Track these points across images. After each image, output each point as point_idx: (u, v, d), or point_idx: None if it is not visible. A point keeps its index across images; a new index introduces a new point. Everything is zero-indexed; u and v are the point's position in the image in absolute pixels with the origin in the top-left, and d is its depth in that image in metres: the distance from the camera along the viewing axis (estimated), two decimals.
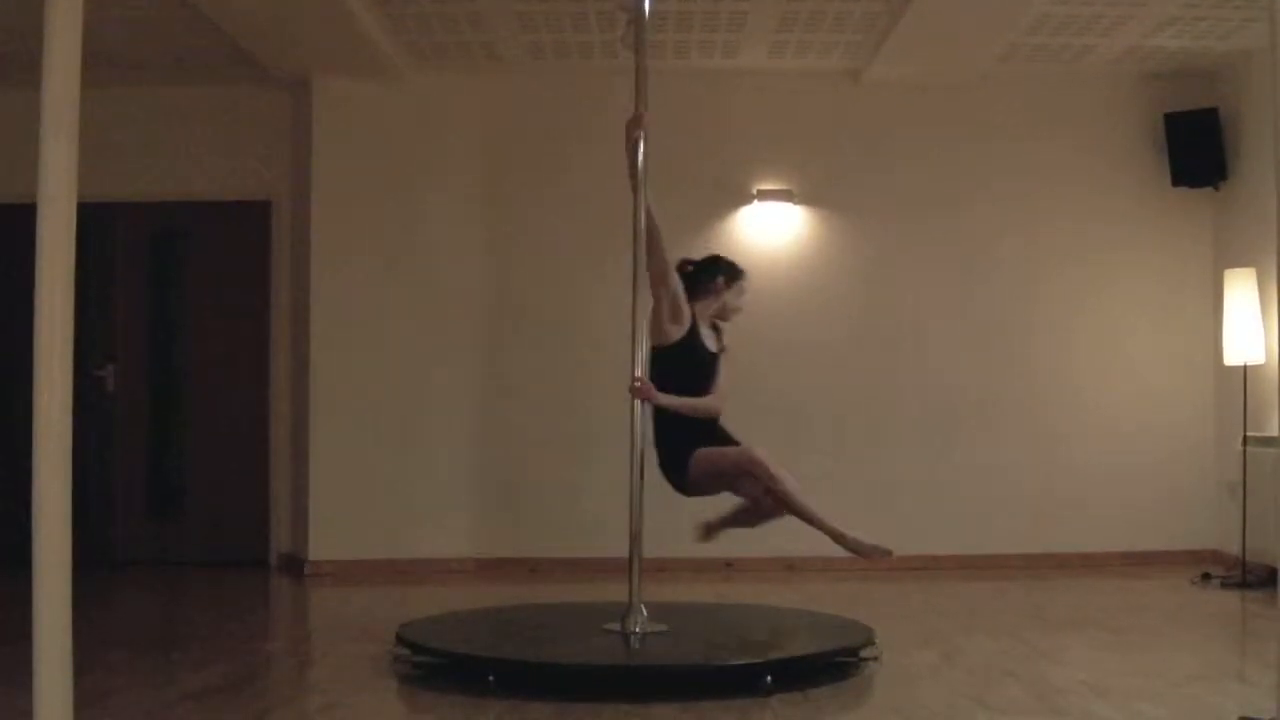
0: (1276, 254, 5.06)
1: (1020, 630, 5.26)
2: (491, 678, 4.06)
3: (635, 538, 4.67)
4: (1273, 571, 6.09)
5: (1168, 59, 7.23)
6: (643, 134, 4.71)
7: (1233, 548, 6.80)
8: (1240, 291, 6.81)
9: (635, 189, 4.71)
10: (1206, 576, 6.68)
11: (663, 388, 4.71)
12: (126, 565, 7.49)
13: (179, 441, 7.80)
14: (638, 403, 4.66)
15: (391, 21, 6.60)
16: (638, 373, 4.68)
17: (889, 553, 4.64)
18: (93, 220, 6.83)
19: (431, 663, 4.40)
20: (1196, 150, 7.26)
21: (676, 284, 4.72)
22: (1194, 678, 4.31)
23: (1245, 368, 6.74)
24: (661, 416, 4.75)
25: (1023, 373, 7.50)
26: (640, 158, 4.70)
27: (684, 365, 4.77)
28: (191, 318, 7.82)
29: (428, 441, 7.39)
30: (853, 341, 7.48)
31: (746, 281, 4.98)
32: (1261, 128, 6.76)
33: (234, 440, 7.69)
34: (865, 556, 4.65)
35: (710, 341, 4.87)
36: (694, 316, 4.80)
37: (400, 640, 4.53)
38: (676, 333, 4.74)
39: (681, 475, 4.72)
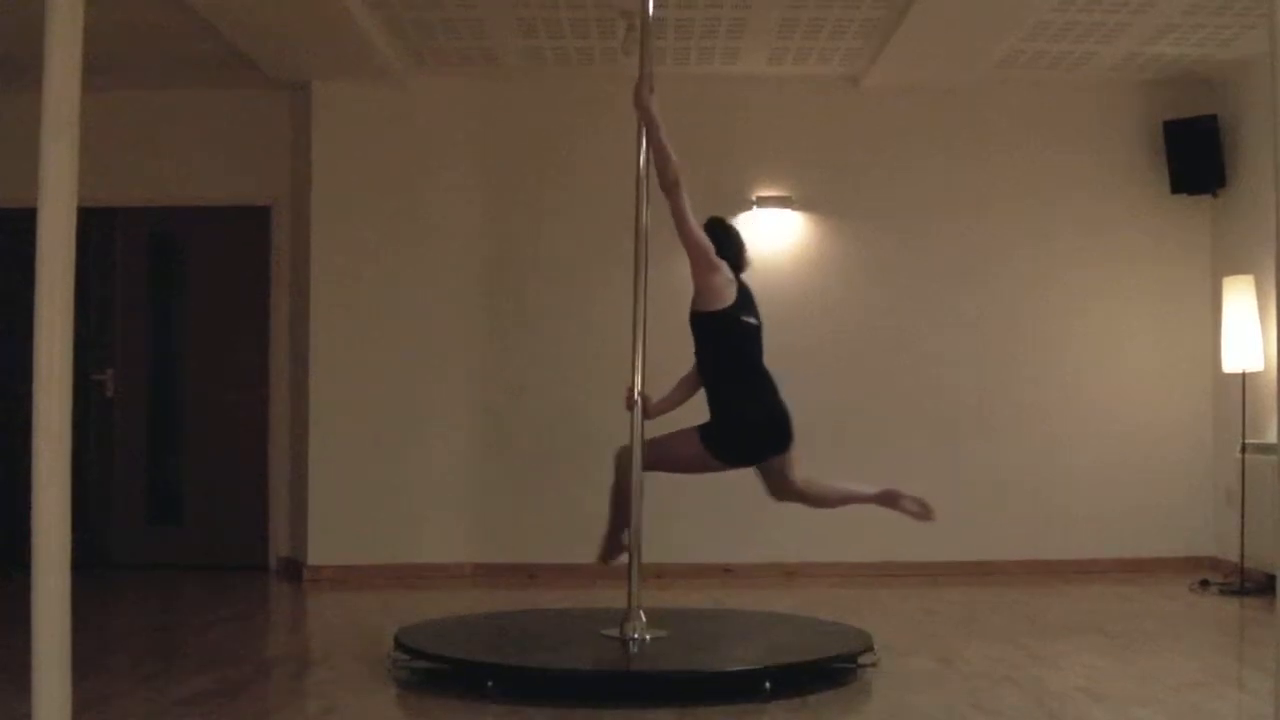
0: (1275, 261, 5.05)
1: (1018, 636, 5.26)
2: (490, 683, 4.06)
3: (634, 543, 4.67)
4: (1271, 578, 6.09)
5: (1167, 66, 7.24)
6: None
7: (1231, 554, 6.79)
8: (1239, 298, 6.81)
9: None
10: (1205, 583, 6.68)
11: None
12: (125, 569, 7.48)
13: (178, 445, 7.79)
14: (638, 406, 4.67)
15: (391, 26, 6.61)
16: (638, 384, 4.67)
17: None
18: (93, 224, 6.90)
19: (430, 668, 4.40)
20: (1195, 157, 7.27)
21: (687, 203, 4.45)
22: (1192, 684, 4.31)
23: (1244, 375, 6.74)
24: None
25: (1022, 379, 7.50)
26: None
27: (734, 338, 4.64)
28: (191, 322, 7.81)
29: (427, 446, 7.38)
30: (851, 348, 7.47)
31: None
32: (1260, 135, 6.77)
33: (233, 444, 7.68)
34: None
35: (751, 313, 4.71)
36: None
37: (399, 645, 4.53)
38: (727, 293, 4.58)
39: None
